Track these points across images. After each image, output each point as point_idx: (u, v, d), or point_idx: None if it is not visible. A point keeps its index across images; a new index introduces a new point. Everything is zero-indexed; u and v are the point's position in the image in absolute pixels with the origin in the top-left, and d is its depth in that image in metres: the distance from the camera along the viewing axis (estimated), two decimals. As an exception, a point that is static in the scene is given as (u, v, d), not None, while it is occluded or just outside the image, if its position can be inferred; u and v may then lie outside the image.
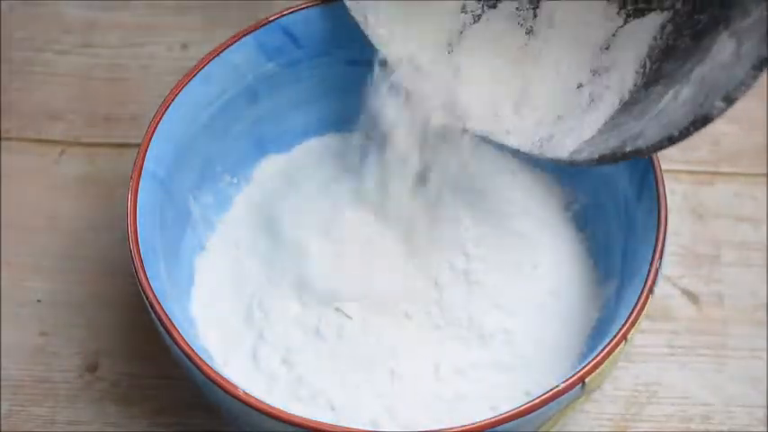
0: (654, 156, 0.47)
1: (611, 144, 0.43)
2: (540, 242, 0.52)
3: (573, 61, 0.48)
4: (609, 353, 0.42)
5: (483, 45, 0.50)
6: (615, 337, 0.43)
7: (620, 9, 0.47)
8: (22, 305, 0.56)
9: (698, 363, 0.54)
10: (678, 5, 0.45)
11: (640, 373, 0.53)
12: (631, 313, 0.43)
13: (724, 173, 0.60)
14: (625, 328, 0.43)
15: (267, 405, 0.41)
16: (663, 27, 0.45)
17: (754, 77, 0.38)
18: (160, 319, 0.44)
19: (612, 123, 0.45)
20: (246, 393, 0.42)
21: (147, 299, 0.44)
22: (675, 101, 0.41)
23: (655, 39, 0.45)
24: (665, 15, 0.45)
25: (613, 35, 0.47)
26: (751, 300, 0.56)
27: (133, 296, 0.52)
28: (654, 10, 0.46)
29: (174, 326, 0.43)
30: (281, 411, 0.41)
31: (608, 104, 0.45)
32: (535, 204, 0.53)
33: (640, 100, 0.44)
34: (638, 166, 0.48)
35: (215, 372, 0.42)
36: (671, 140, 0.40)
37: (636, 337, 0.44)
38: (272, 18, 0.52)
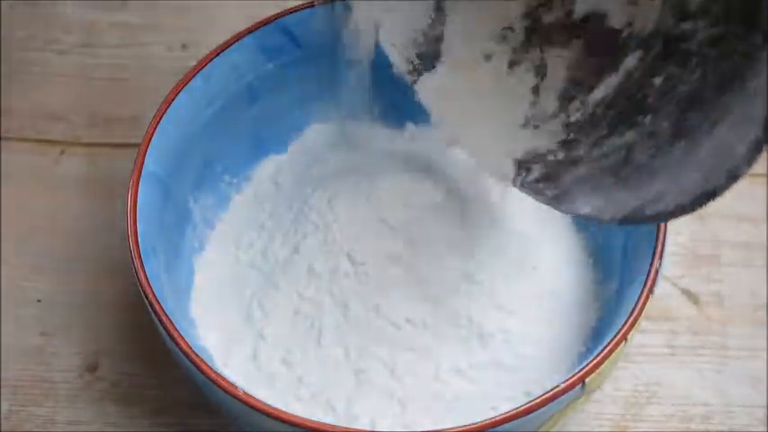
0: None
1: (630, 204, 0.41)
2: (540, 242, 0.52)
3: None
4: (609, 353, 0.42)
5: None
6: (615, 337, 0.43)
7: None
8: (22, 305, 0.56)
9: (698, 363, 0.54)
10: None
11: (640, 373, 0.53)
12: (631, 313, 0.43)
13: (724, 173, 0.60)
14: (625, 329, 0.43)
15: (267, 405, 0.41)
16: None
17: (754, 157, 0.37)
18: (160, 320, 0.44)
19: (622, 176, 0.43)
20: (246, 393, 0.42)
21: (147, 299, 0.44)
22: (688, 163, 0.40)
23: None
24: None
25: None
26: (751, 300, 0.56)
27: (133, 296, 0.52)
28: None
29: (174, 326, 0.43)
30: (281, 411, 0.41)
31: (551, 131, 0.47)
32: (535, 204, 0.53)
33: (646, 150, 0.42)
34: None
35: (215, 372, 0.42)
36: (683, 210, 0.39)
37: (636, 337, 0.44)
38: (272, 18, 0.52)
